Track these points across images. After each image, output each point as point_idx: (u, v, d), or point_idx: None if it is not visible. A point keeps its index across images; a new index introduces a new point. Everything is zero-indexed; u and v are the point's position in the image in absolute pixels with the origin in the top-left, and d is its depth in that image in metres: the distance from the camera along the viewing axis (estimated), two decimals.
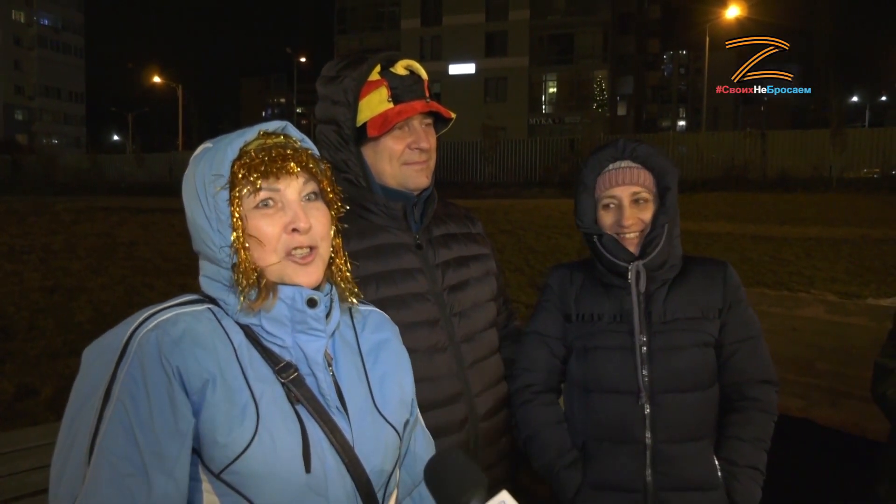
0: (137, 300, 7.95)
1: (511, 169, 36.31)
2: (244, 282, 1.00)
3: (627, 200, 1.63)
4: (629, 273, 1.62)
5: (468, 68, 45.33)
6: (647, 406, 1.59)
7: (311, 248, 1.04)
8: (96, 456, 0.90)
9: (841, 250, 11.54)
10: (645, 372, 1.59)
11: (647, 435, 1.59)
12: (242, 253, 1.00)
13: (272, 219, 1.02)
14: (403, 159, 1.53)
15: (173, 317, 0.98)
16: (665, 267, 1.64)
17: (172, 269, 10.03)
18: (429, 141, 1.55)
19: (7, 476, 2.31)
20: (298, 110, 76.29)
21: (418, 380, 1.28)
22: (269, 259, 1.02)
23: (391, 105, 1.50)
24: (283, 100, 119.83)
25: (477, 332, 1.62)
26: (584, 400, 1.66)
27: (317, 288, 1.06)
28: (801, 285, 8.77)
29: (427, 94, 1.54)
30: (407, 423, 1.17)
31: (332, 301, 1.09)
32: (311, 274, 1.04)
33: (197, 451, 0.96)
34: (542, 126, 45.94)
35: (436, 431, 1.33)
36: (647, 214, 1.63)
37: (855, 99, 65.52)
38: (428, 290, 1.55)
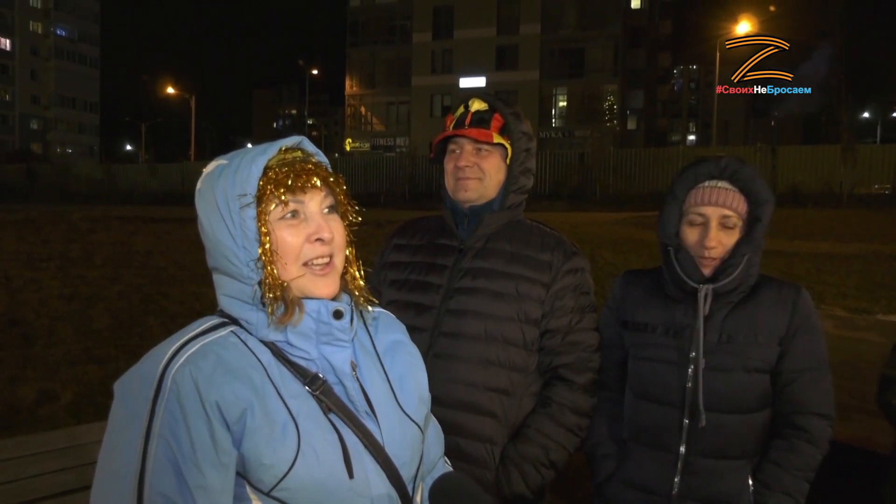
0: (153, 308, 8.06)
1: None
2: (271, 296, 1.02)
3: (715, 222, 1.59)
4: (699, 294, 1.61)
5: (479, 82, 45.49)
6: (686, 420, 1.61)
7: (330, 258, 1.07)
8: (147, 494, 0.93)
9: (851, 266, 11.51)
10: (688, 388, 1.61)
11: (682, 447, 1.61)
12: (269, 267, 1.02)
13: (297, 229, 1.05)
14: (455, 175, 1.82)
15: (201, 348, 1.00)
16: (734, 293, 1.61)
17: (187, 277, 10.14)
18: (467, 160, 1.79)
19: (36, 476, 2.38)
20: (309, 122, 76.65)
21: None
22: (291, 270, 1.04)
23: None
24: (294, 111, 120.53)
25: (465, 333, 1.70)
26: (631, 402, 1.75)
27: (335, 298, 1.09)
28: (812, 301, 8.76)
29: (467, 122, 1.80)
30: (426, 417, 1.22)
31: (352, 310, 1.12)
32: (329, 285, 1.07)
33: (242, 475, 0.99)
34: (553, 139, 45.96)
35: None
36: (732, 240, 1.59)
37: (866, 115, 65.22)
38: (442, 284, 1.78)
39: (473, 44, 45.83)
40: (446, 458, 1.35)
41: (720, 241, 1.59)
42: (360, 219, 1.16)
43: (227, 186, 1.03)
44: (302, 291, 1.06)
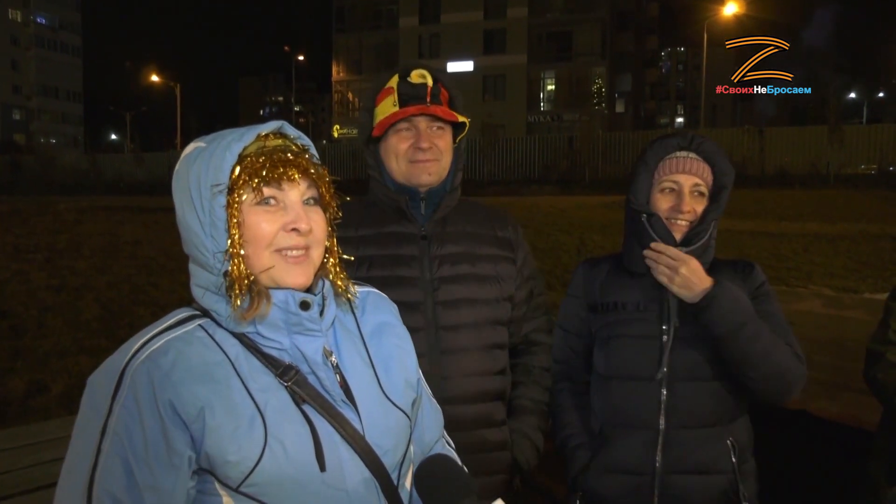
0: (143, 298, 8.02)
1: (510, 166, 36.32)
2: (236, 289, 1.00)
3: (688, 189, 1.66)
4: None
5: (466, 66, 45.28)
6: (665, 393, 1.63)
7: (306, 249, 1.05)
8: (97, 489, 0.92)
9: (838, 246, 11.63)
10: (665, 359, 1.63)
11: (662, 421, 1.63)
12: (235, 260, 0.99)
13: (272, 216, 1.02)
14: (409, 157, 1.68)
15: (164, 345, 0.98)
16: (701, 261, 1.65)
17: (176, 267, 10.08)
18: (430, 141, 1.67)
19: (30, 467, 2.38)
20: (296, 108, 76.16)
21: None
22: (262, 258, 1.02)
23: (396, 108, 1.67)
24: (281, 98, 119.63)
25: (464, 323, 1.68)
26: (604, 387, 1.72)
27: (309, 289, 1.07)
28: (799, 280, 8.86)
29: (428, 99, 1.67)
30: (414, 402, 1.19)
31: (324, 299, 1.09)
32: (301, 274, 1.04)
33: (210, 472, 0.97)
34: (541, 124, 45.94)
35: None
36: (701, 208, 1.67)
37: (853, 95, 65.49)
38: (417, 276, 1.67)
39: (460, 28, 45.56)
40: (448, 440, 1.33)
41: (693, 207, 1.66)
42: (341, 214, 1.13)
43: (200, 173, 1.01)
44: (273, 280, 1.03)
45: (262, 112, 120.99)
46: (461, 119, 1.70)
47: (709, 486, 1.63)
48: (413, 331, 1.59)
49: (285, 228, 1.02)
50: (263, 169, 1.00)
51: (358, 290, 1.22)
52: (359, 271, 1.64)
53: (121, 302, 7.84)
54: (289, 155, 1.03)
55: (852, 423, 2.85)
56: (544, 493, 2.58)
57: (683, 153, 1.68)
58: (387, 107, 1.69)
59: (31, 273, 9.49)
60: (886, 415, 1.99)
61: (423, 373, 1.58)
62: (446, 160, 1.72)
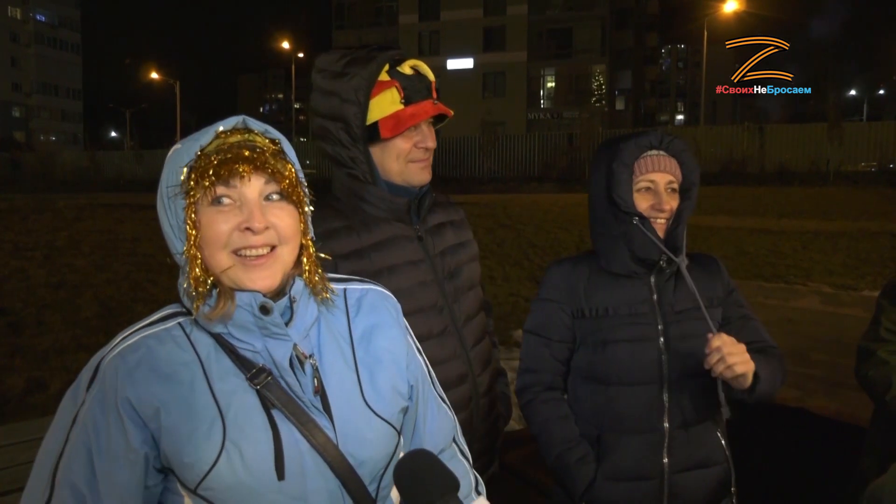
0: (142, 296, 8.02)
1: (510, 164, 36.34)
2: (198, 289, 0.98)
3: (663, 187, 1.66)
4: (661, 261, 1.65)
5: (466, 63, 45.27)
6: (666, 394, 1.62)
7: (272, 247, 1.01)
8: (59, 478, 0.93)
9: (838, 243, 11.62)
10: (663, 361, 1.63)
11: (666, 422, 1.62)
12: (194, 261, 0.98)
13: (226, 216, 0.98)
14: (409, 157, 1.58)
15: (136, 342, 0.98)
16: (673, 264, 1.65)
17: (175, 264, 10.10)
18: (434, 141, 1.62)
19: (27, 463, 2.38)
20: (296, 106, 76.03)
21: (433, 363, 1.36)
22: (220, 259, 0.98)
23: (402, 106, 1.53)
24: (280, 96, 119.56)
25: (471, 315, 1.69)
26: (602, 393, 1.66)
27: (280, 291, 1.03)
28: (798, 278, 8.86)
29: (434, 95, 1.59)
30: (406, 410, 1.14)
31: (293, 301, 1.04)
32: (263, 278, 1.00)
33: (171, 470, 0.97)
34: (541, 121, 45.91)
35: None
36: (675, 204, 1.67)
37: (853, 92, 65.45)
38: (431, 278, 1.62)
39: (460, 25, 45.53)
40: (465, 451, 1.26)
41: (670, 205, 1.66)
42: (311, 209, 1.08)
43: (167, 174, 1.00)
44: (234, 282, 0.99)
45: (261, 109, 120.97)
46: (451, 113, 1.64)
47: (708, 478, 1.65)
48: (445, 334, 1.61)
49: (239, 228, 0.98)
50: (211, 168, 0.96)
51: (357, 287, 1.18)
52: (379, 280, 1.51)
53: (119, 299, 7.83)
54: (245, 151, 0.98)
55: (850, 420, 2.86)
56: (527, 481, 2.58)
57: (655, 152, 1.68)
58: (388, 103, 1.54)
59: (30, 270, 9.49)
60: (877, 412, 2.00)
61: (461, 374, 1.62)
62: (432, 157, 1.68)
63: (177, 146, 1.02)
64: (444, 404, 1.24)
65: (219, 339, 1.01)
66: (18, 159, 46.94)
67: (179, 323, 1.02)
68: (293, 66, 58.20)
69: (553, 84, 46.80)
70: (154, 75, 56.94)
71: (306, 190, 1.06)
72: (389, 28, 48.31)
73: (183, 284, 1.02)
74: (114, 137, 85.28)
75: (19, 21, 77.73)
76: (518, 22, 45.13)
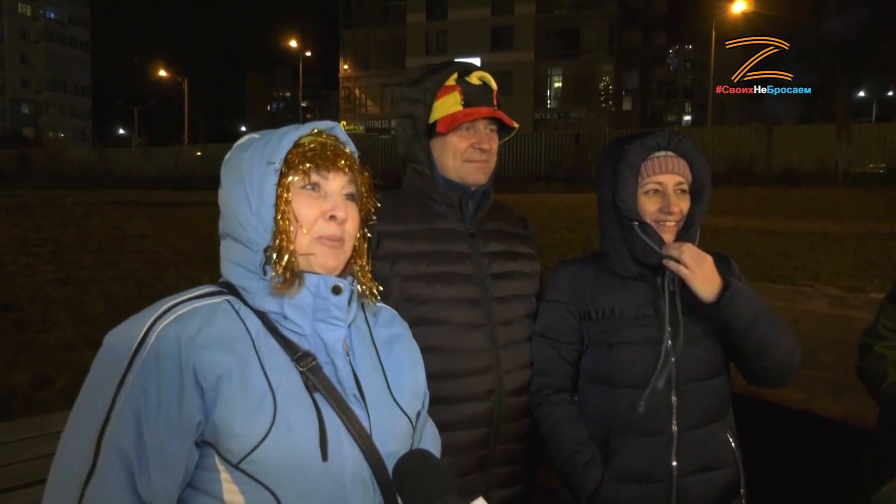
0: (149, 293, 8.04)
1: (516, 163, 36.29)
2: (280, 259, 1.03)
3: (672, 189, 1.62)
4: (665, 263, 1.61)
5: (474, 62, 45.20)
6: (675, 397, 1.60)
7: (341, 241, 1.09)
8: (106, 443, 0.92)
9: (846, 245, 11.55)
10: (671, 363, 1.60)
11: (674, 425, 1.60)
12: (282, 235, 1.04)
13: (315, 201, 1.08)
14: (466, 157, 1.72)
15: (191, 311, 1.01)
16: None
17: (182, 262, 10.13)
18: (490, 143, 1.74)
19: (33, 459, 2.39)
20: (303, 104, 76.21)
21: (454, 350, 1.62)
22: (301, 241, 1.06)
23: (461, 108, 1.71)
24: (287, 94, 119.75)
25: (516, 317, 1.75)
26: (609, 395, 1.65)
27: (340, 277, 1.11)
28: (806, 280, 8.81)
29: (495, 103, 1.74)
30: (419, 414, 1.21)
31: (352, 293, 1.12)
32: (335, 257, 1.08)
33: (212, 444, 0.97)
34: (548, 121, 45.85)
35: (464, 397, 1.64)
36: (685, 206, 1.64)
37: (862, 93, 65.07)
38: (472, 273, 1.72)
39: (468, 24, 45.52)
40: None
41: (679, 207, 1.62)
42: (374, 218, 1.19)
43: (254, 154, 1.07)
44: (308, 264, 1.07)
45: (268, 107, 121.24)
46: (516, 125, 1.77)
47: (717, 481, 1.63)
48: (474, 327, 1.68)
49: (324, 216, 1.07)
50: (314, 154, 1.07)
51: (374, 303, 1.25)
52: (418, 267, 1.67)
53: (126, 296, 7.86)
54: (339, 148, 1.12)
55: (857, 422, 2.84)
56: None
57: (662, 153, 1.64)
58: (449, 104, 1.72)
59: (37, 266, 9.54)
60: (880, 411, 2.01)
61: (484, 367, 1.66)
62: (493, 162, 1.79)
63: (254, 136, 1.12)
64: (433, 425, 1.31)
65: (264, 319, 1.06)
66: (27, 156, 47.18)
67: (227, 299, 1.06)
68: (300, 65, 58.28)
69: (560, 84, 46.74)
70: (162, 73, 57.14)
71: (373, 197, 1.18)
72: (397, 27, 48.34)
73: (238, 260, 1.08)
74: (122, 134, 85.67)
75: (29, 18, 78.12)
76: (525, 21, 45.10)
